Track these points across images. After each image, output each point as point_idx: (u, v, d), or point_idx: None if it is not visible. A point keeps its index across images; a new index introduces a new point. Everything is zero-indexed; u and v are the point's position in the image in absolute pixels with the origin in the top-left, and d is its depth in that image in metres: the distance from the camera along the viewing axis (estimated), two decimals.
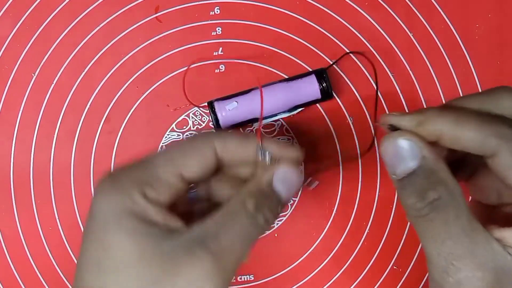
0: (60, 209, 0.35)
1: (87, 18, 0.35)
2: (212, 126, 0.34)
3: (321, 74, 0.33)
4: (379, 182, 0.35)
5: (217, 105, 0.33)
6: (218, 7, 0.35)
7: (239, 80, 0.35)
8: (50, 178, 0.35)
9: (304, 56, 0.35)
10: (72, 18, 0.35)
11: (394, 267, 0.35)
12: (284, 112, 0.34)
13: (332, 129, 0.35)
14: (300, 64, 0.35)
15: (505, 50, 0.35)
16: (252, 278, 0.36)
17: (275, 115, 0.34)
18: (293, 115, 0.34)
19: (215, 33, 0.35)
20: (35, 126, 0.35)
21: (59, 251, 0.35)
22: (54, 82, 0.35)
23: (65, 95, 0.35)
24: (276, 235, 0.36)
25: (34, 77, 0.35)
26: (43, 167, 0.35)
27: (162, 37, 0.35)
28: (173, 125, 0.35)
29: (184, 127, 0.35)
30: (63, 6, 0.35)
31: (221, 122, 0.33)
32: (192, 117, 0.35)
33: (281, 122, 0.35)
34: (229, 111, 0.33)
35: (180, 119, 0.35)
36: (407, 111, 0.35)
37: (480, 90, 0.35)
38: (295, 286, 0.36)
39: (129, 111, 0.35)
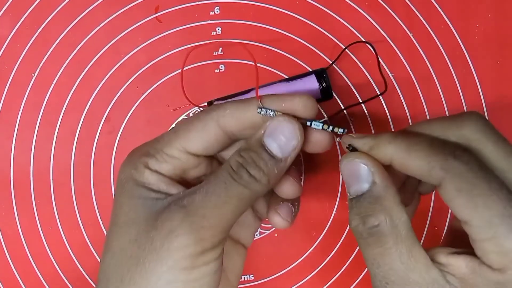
0: (60, 209, 0.35)
1: (87, 18, 0.35)
2: None
3: (321, 74, 0.33)
4: None
5: None
6: (218, 7, 0.35)
7: (239, 80, 0.35)
8: (50, 178, 0.35)
9: (304, 56, 0.35)
10: (72, 18, 0.35)
11: None
12: None
13: None
14: (300, 64, 0.35)
15: (505, 50, 0.35)
16: (252, 278, 0.36)
17: None
18: None
19: (215, 33, 0.35)
20: (35, 126, 0.35)
21: (59, 251, 0.36)
22: (54, 82, 0.35)
23: (65, 95, 0.35)
24: (276, 235, 0.36)
25: (34, 77, 0.35)
26: (43, 167, 0.35)
27: (162, 37, 0.35)
28: (173, 125, 0.35)
29: None
30: (63, 6, 0.35)
31: None
32: None
33: None
34: None
35: (180, 119, 0.35)
36: (407, 111, 0.35)
37: (480, 90, 0.35)
38: (295, 286, 0.36)
39: (129, 111, 0.35)
